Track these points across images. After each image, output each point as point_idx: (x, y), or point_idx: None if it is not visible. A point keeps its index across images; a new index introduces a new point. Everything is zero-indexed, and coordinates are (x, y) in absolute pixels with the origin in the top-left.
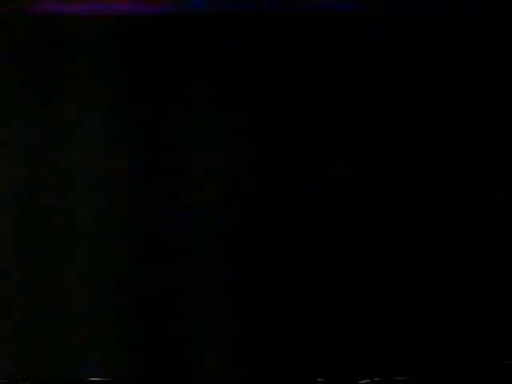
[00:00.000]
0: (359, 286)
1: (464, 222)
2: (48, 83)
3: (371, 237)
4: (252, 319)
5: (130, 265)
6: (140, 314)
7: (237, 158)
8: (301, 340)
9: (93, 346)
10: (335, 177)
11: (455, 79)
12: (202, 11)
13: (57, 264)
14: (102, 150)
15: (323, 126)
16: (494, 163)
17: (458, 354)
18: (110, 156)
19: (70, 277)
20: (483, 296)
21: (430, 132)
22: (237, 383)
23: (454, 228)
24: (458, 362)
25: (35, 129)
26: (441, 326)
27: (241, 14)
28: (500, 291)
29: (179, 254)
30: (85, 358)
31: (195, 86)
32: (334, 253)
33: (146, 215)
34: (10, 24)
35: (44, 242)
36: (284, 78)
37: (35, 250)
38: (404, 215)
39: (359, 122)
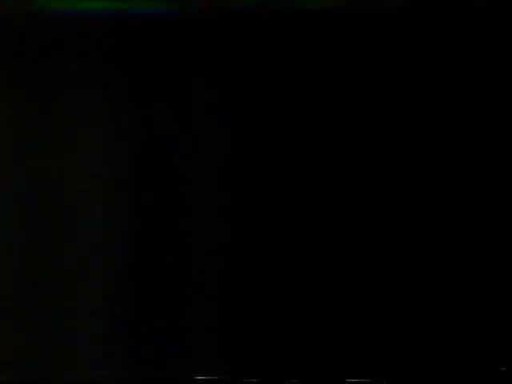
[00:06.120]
0: (357, 285)
1: (463, 222)
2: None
3: (371, 237)
4: (250, 319)
5: (129, 265)
6: (139, 314)
7: (235, 157)
8: (295, 340)
9: (92, 347)
10: (335, 175)
11: (454, 79)
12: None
13: (56, 265)
14: (102, 149)
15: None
16: (494, 163)
17: (452, 357)
18: (109, 156)
19: (69, 277)
20: (482, 297)
21: (430, 132)
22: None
23: (453, 228)
24: (453, 366)
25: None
26: (437, 327)
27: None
28: (500, 292)
29: (178, 254)
30: (85, 359)
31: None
32: (331, 254)
33: (145, 215)
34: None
35: (43, 239)
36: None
37: (34, 249)
38: (404, 215)
39: (362, 123)
